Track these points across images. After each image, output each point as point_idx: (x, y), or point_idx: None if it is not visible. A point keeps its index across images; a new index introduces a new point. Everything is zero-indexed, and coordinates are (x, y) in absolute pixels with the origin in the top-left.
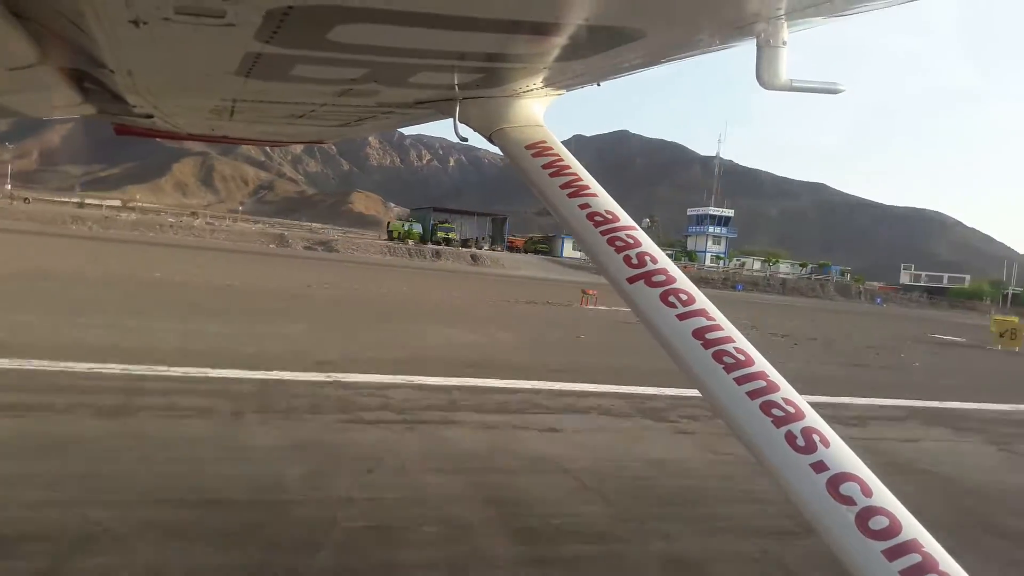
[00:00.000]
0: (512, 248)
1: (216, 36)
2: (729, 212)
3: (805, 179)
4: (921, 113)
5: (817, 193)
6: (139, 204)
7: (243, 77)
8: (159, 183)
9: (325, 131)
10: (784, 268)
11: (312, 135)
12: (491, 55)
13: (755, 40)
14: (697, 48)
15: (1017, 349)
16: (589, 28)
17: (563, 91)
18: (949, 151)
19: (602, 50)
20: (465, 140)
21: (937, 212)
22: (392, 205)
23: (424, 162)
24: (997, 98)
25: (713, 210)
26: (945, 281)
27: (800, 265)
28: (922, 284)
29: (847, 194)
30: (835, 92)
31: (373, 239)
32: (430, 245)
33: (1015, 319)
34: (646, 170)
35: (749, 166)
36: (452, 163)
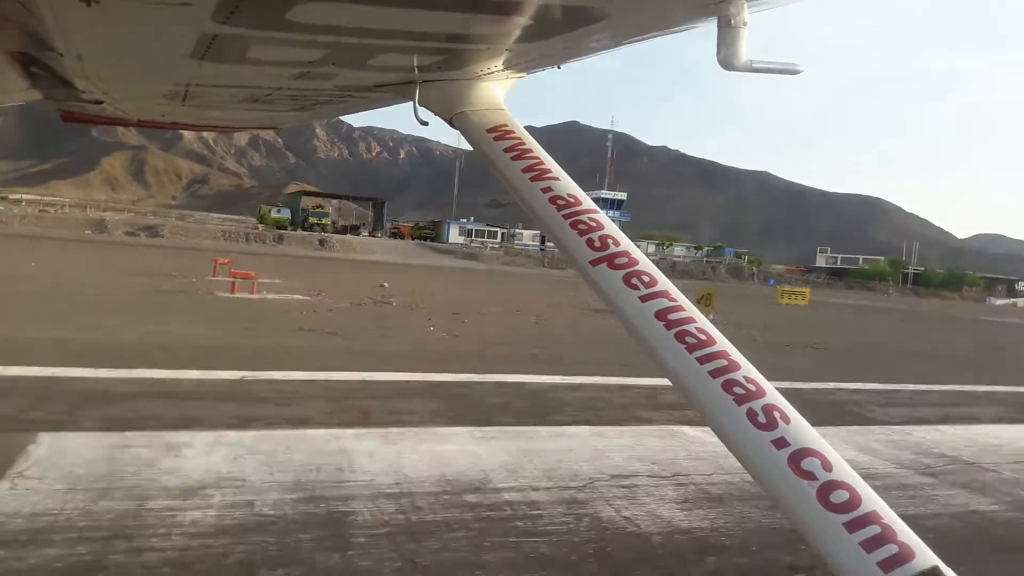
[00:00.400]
0: (397, 234)
1: (171, 16)
2: (622, 195)
3: (750, 167)
4: (865, 101)
5: (761, 181)
6: None
7: (198, 60)
8: (88, 178)
9: (280, 116)
10: (679, 251)
11: (266, 120)
12: (452, 36)
13: (716, 21)
14: (659, 29)
15: (712, 316)
16: (551, 8)
17: (524, 74)
18: (891, 139)
19: (564, 31)
20: (426, 124)
21: (878, 198)
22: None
23: (373, 154)
24: (940, 88)
25: (605, 193)
26: (860, 263)
27: (695, 248)
28: (836, 266)
29: (790, 181)
30: (794, 72)
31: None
32: (300, 231)
33: (713, 288)
34: (595, 161)
35: (697, 156)
36: (403, 155)
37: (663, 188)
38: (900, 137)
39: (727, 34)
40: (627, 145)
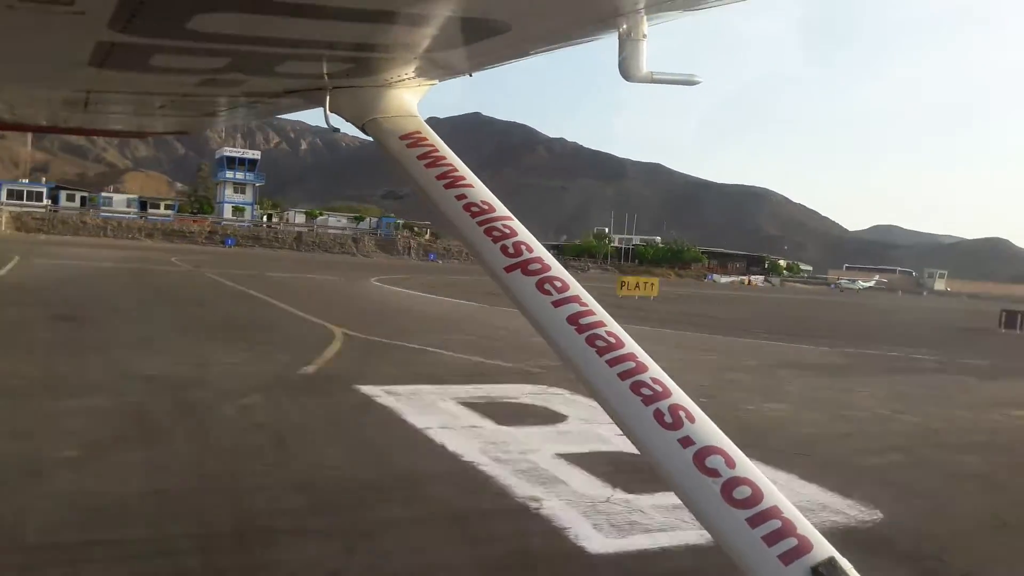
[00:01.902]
0: None
1: (65, 24)
2: (254, 154)
3: (645, 159)
4: (757, 98)
5: (653, 173)
6: None
7: (96, 68)
8: None
9: (189, 121)
10: (333, 222)
11: (175, 125)
12: (359, 45)
13: (617, 33)
14: (562, 41)
15: None
16: (456, 20)
17: (436, 81)
18: (781, 134)
19: (470, 42)
20: (337, 131)
21: (764, 188)
22: (179, 184)
23: (272, 145)
24: (825, 86)
25: (229, 151)
26: (658, 244)
27: (356, 218)
28: (560, 243)
29: (681, 173)
30: (692, 83)
31: None
32: None
33: None
34: (494, 152)
35: (593, 148)
36: (305, 146)
37: (558, 179)
38: (795, 134)
39: (627, 46)
40: (527, 136)
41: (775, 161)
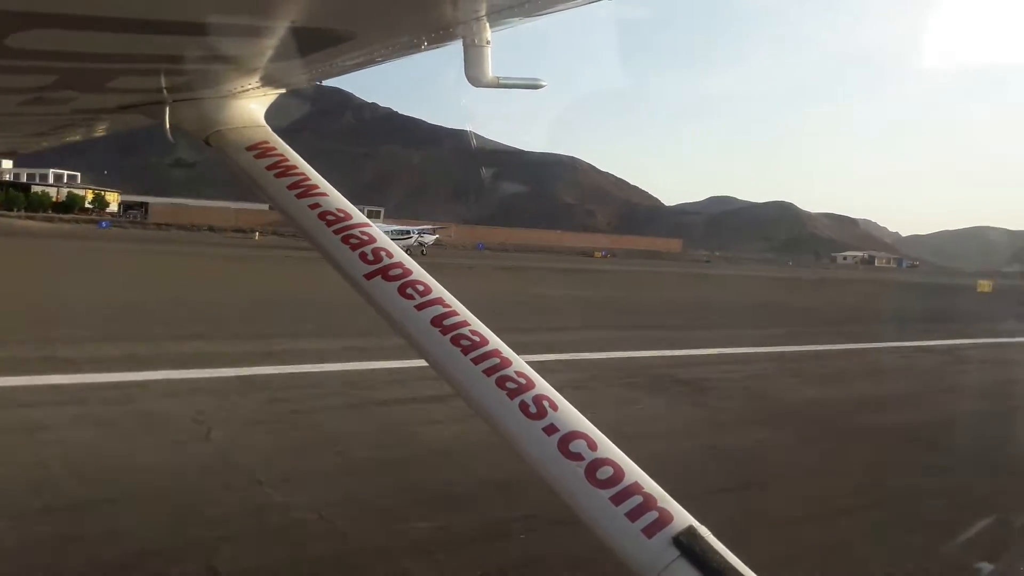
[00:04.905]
0: None
1: None
2: None
3: (455, 127)
4: (594, 77)
5: (460, 139)
6: None
7: None
8: None
9: (18, 141)
10: None
11: (4, 145)
12: (197, 57)
13: (461, 42)
14: (407, 50)
15: None
16: (297, 30)
17: (283, 89)
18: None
19: (314, 51)
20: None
21: (571, 157)
22: None
23: None
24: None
25: None
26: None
27: None
28: None
29: (488, 139)
30: (537, 87)
31: None
32: None
33: None
34: (296, 119)
35: (407, 114)
36: None
37: (363, 146)
38: (635, 116)
39: (472, 53)
40: (339, 101)
41: (593, 136)
